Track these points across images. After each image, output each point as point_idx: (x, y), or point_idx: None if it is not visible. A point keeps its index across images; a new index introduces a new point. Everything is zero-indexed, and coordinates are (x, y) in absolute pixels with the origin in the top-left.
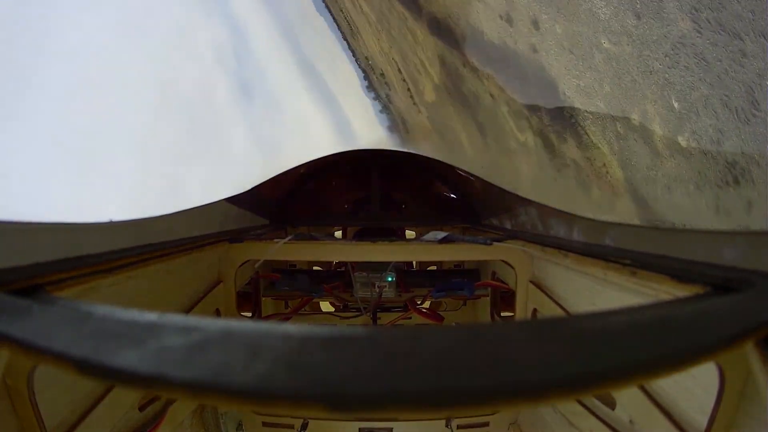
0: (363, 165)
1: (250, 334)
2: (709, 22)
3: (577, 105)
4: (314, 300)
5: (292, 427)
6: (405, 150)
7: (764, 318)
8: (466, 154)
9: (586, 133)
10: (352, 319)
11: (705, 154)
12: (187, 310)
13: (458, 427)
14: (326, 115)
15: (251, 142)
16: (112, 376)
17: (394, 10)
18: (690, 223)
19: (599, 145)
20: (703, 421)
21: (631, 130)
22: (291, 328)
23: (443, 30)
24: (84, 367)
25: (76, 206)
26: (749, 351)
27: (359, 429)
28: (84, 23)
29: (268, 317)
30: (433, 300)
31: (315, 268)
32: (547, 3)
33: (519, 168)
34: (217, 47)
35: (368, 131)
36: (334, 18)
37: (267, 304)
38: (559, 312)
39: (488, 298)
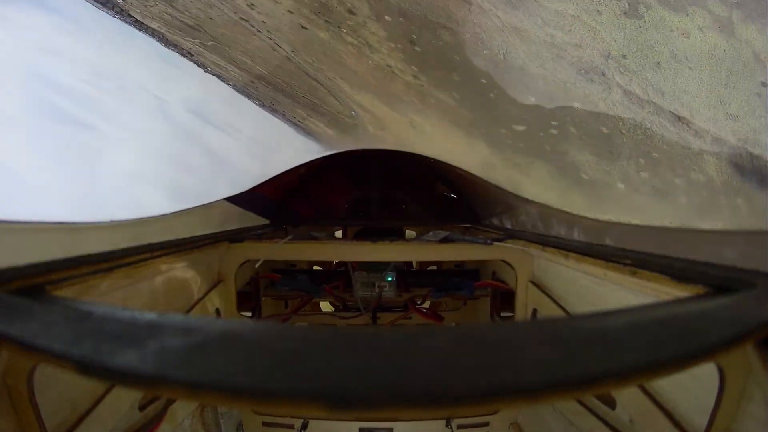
0: (363, 165)
1: (250, 334)
2: None
3: None
4: (314, 300)
5: (292, 427)
6: (405, 150)
7: (764, 318)
8: None
9: None
10: (352, 319)
11: None
12: (187, 310)
13: (458, 426)
14: None
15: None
16: (112, 376)
17: None
18: None
19: None
20: (703, 421)
21: None
22: (290, 328)
23: None
24: (84, 366)
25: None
26: (749, 351)
27: (359, 429)
28: None
29: (268, 317)
30: (433, 300)
31: (315, 268)
32: None
33: None
34: None
35: None
36: None
37: (267, 304)
38: (559, 312)
39: (488, 298)
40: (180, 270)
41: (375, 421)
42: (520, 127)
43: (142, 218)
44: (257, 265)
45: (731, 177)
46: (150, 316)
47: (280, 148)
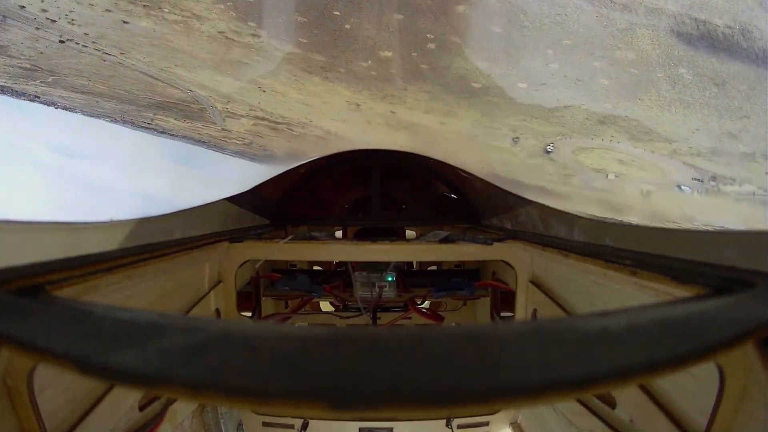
0: (363, 165)
1: (250, 334)
2: None
3: None
4: (314, 300)
5: (292, 427)
6: (405, 150)
7: (764, 318)
8: None
9: None
10: (352, 319)
11: None
12: (187, 310)
13: (458, 426)
14: None
15: None
16: (112, 376)
17: None
18: None
19: None
20: (703, 421)
21: None
22: (290, 328)
23: None
24: (84, 366)
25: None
26: (749, 351)
27: (359, 429)
28: None
29: (268, 317)
30: (433, 300)
31: (315, 268)
32: None
33: None
34: None
35: None
36: None
37: (267, 304)
38: (559, 312)
39: (488, 298)
40: (180, 270)
41: (375, 421)
42: (387, 53)
43: (142, 218)
44: (257, 265)
45: (672, 48)
46: (150, 316)
47: (145, 156)
